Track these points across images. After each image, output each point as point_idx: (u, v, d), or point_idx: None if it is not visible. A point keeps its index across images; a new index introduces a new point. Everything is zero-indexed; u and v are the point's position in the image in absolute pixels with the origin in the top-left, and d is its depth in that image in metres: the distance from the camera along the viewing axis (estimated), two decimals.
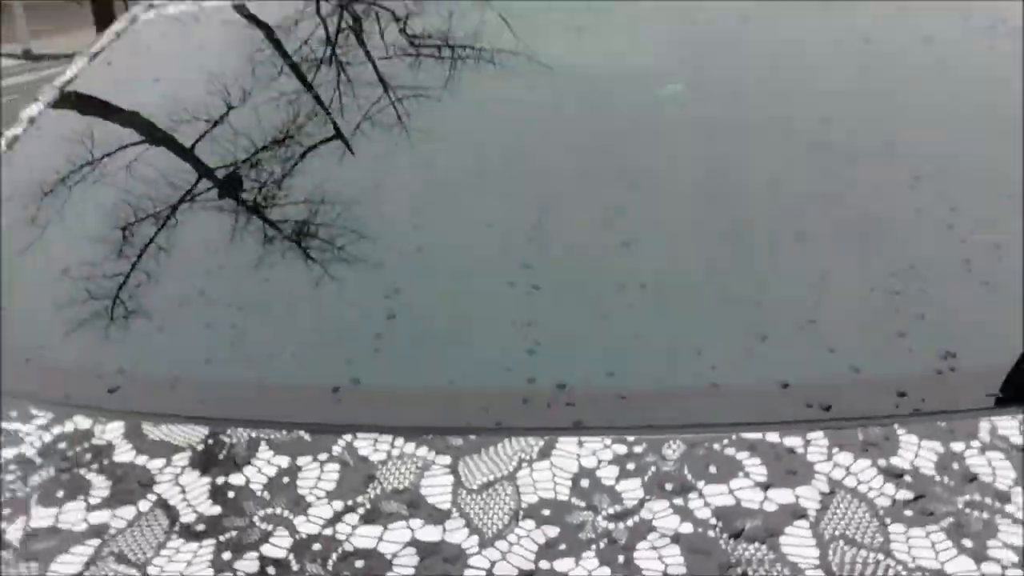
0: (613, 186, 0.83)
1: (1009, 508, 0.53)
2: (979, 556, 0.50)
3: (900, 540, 0.51)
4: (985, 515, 0.53)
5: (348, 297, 0.74)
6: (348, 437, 0.61)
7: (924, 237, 0.75)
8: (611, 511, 0.54)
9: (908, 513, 0.53)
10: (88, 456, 0.62)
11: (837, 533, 0.52)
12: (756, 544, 0.51)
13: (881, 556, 0.50)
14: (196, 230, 0.83)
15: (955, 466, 0.56)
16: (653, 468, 0.56)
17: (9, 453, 0.62)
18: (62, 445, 0.63)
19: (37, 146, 0.98)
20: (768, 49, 1.01)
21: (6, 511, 0.58)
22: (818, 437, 0.58)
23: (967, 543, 0.51)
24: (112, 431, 0.63)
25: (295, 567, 0.52)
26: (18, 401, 0.67)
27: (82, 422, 0.64)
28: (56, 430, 0.64)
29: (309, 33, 1.08)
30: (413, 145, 0.88)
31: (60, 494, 0.59)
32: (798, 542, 0.52)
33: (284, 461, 0.59)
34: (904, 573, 0.50)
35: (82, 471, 0.60)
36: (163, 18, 1.19)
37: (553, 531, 0.53)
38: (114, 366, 0.70)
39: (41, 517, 0.57)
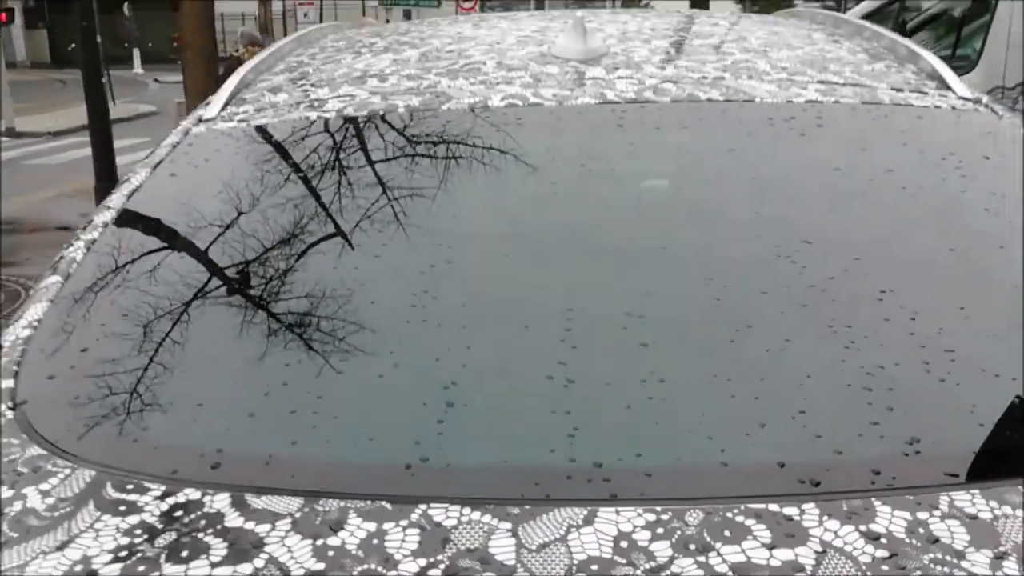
0: (628, 291, 0.98)
1: (964, 564, 0.67)
2: None
3: None
4: (945, 569, 0.66)
5: (414, 389, 0.87)
6: (423, 506, 0.73)
7: (891, 343, 0.90)
8: (647, 566, 0.67)
9: (884, 568, 0.66)
10: (203, 522, 0.73)
11: None
12: None
13: None
14: (262, 329, 0.96)
15: (921, 531, 0.69)
16: (679, 532, 0.69)
17: (133, 520, 0.74)
18: (178, 513, 0.74)
19: (118, 242, 1.11)
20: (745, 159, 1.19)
21: (140, 568, 0.69)
22: (810, 507, 0.71)
23: None
24: (220, 501, 0.75)
25: None
26: (134, 475, 0.78)
27: (193, 494, 0.76)
28: (171, 500, 0.76)
29: (330, 145, 1.24)
30: (443, 253, 1.04)
31: (185, 554, 0.70)
32: None
33: (371, 526, 0.71)
34: None
35: (200, 535, 0.72)
36: (212, 132, 1.34)
37: None
38: (214, 446, 0.82)
39: (173, 574, 0.69)
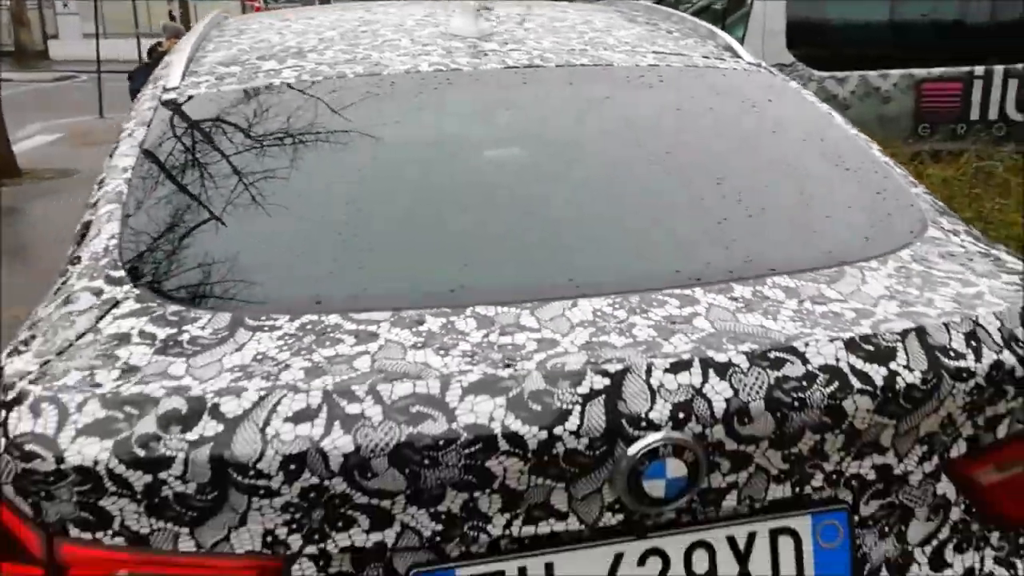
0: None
1: (783, 312, 1.18)
2: None
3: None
4: (771, 307, 1.17)
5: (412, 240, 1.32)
6: (471, 308, 1.16)
7: (713, 197, 1.45)
8: (616, 325, 1.13)
9: (740, 314, 1.16)
10: (331, 330, 1.12)
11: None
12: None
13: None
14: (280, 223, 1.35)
15: (755, 294, 1.20)
16: (628, 305, 1.16)
17: (279, 333, 1.11)
18: (308, 328, 1.12)
19: None
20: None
21: (299, 353, 1.07)
22: (699, 290, 1.20)
23: None
24: (334, 319, 1.14)
25: None
26: (263, 312, 1.15)
27: (312, 317, 1.14)
28: (298, 322, 1.13)
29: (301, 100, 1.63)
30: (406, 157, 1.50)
31: (328, 343, 1.09)
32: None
33: (442, 320, 1.13)
34: None
35: (333, 334, 1.10)
36: (186, 95, 1.66)
37: None
38: (310, 292, 1.20)
39: (325, 353, 1.07)
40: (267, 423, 0.95)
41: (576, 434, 0.97)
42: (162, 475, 0.95)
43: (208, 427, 0.95)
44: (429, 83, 1.66)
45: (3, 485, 0.98)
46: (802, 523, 1.13)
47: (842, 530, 1.14)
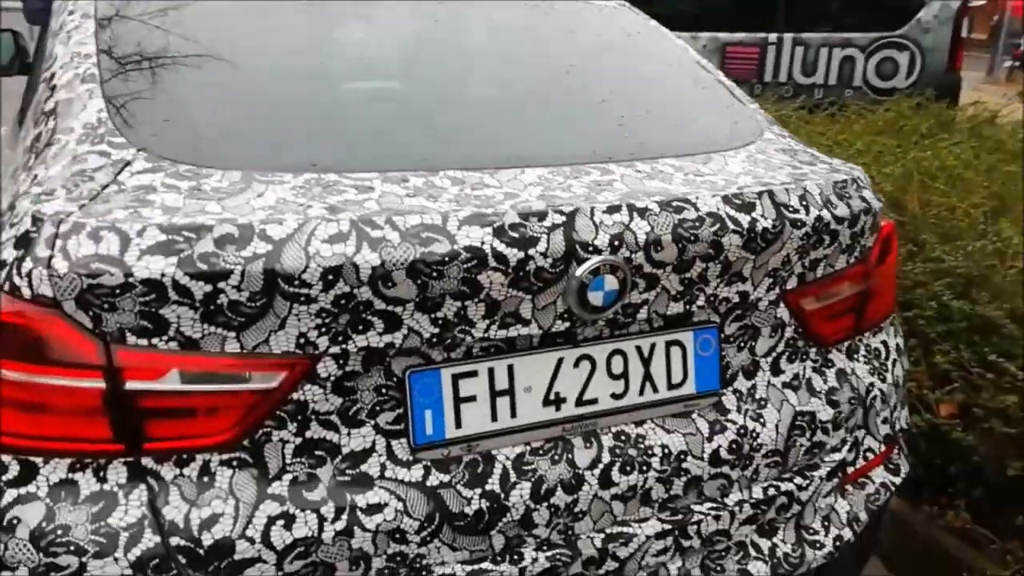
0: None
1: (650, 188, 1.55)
2: None
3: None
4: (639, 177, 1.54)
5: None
6: (451, 171, 1.42)
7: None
8: (552, 191, 1.44)
9: (646, 181, 1.51)
10: (339, 186, 1.35)
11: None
12: None
13: None
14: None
15: (647, 171, 1.56)
16: (557, 178, 1.47)
17: (288, 186, 1.33)
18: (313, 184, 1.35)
19: None
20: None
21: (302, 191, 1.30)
22: (614, 166, 1.53)
23: None
24: (337, 176, 1.37)
25: None
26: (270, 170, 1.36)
27: (314, 175, 1.37)
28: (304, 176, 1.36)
29: None
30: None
31: (337, 194, 1.32)
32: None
33: (422, 179, 1.39)
34: None
35: (344, 191, 1.34)
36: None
37: None
38: (302, 159, 1.42)
39: (330, 200, 1.31)
40: (308, 243, 1.19)
41: (544, 255, 1.28)
42: (220, 285, 1.16)
43: (259, 246, 1.17)
44: None
45: (63, 302, 1.15)
46: (687, 337, 1.50)
47: (713, 343, 1.53)
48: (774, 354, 1.60)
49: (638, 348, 1.46)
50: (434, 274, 1.23)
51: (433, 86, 1.76)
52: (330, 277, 1.19)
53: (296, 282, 1.18)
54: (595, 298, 1.33)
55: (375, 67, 1.79)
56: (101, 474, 1.21)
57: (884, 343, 1.79)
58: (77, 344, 1.17)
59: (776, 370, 1.61)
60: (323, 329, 1.22)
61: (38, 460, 1.21)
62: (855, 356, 1.72)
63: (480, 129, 1.64)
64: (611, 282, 1.34)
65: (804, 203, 1.53)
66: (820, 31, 6.77)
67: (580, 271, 1.31)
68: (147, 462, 1.22)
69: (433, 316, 1.27)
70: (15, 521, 1.19)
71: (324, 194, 1.30)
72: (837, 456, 1.67)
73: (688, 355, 1.50)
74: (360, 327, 1.24)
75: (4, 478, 1.20)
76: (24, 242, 1.19)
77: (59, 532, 1.19)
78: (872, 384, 1.72)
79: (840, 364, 1.69)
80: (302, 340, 1.22)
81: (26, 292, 1.16)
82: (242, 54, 1.64)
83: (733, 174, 1.57)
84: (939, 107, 5.57)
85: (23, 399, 1.19)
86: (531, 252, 1.27)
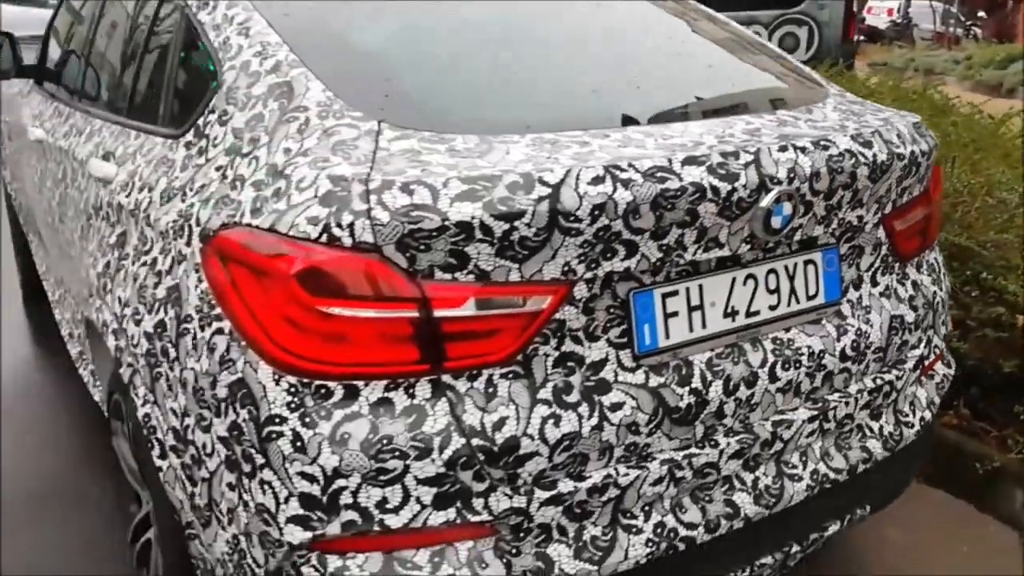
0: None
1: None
2: None
3: None
4: None
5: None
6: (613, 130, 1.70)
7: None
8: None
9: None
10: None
11: None
12: None
13: None
14: None
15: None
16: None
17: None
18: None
19: None
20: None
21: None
22: None
23: None
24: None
25: None
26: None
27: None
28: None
29: None
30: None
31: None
32: None
33: (582, 141, 1.67)
34: None
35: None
36: None
37: None
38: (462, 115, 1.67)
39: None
40: (577, 185, 1.44)
41: (744, 187, 1.58)
42: (515, 224, 1.40)
43: (541, 190, 1.42)
44: None
45: (384, 246, 1.37)
46: (817, 256, 1.83)
47: (835, 261, 1.86)
48: (872, 269, 1.95)
49: (786, 267, 1.77)
50: (668, 206, 1.51)
51: (591, 57, 2.03)
52: (596, 212, 1.45)
53: (571, 218, 1.44)
54: (776, 222, 1.64)
55: (541, 39, 2.04)
56: (411, 391, 1.44)
57: (936, 260, 2.17)
58: (394, 281, 1.40)
59: (874, 282, 1.96)
60: (582, 258, 1.48)
61: (359, 384, 1.43)
62: (921, 270, 2.09)
63: (633, 92, 1.92)
64: (787, 208, 1.65)
65: (901, 140, 1.88)
66: (727, 11, 7.30)
67: (766, 200, 1.61)
68: (446, 378, 1.45)
69: (660, 243, 1.55)
70: (346, 436, 1.41)
71: (555, 149, 1.55)
72: (917, 352, 2.04)
73: (819, 272, 1.83)
74: (608, 254, 1.50)
75: (332, 401, 1.42)
76: (331, 200, 1.40)
77: (384, 442, 1.41)
78: (935, 292, 2.10)
79: (913, 277, 2.06)
80: (566, 268, 1.48)
81: (347, 241, 1.38)
82: (425, 31, 1.88)
83: (836, 120, 1.91)
84: (851, 75, 6.16)
85: (347, 332, 1.40)
86: (735, 185, 1.57)
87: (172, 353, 1.65)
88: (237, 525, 1.55)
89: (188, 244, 1.66)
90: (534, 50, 2.03)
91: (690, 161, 1.55)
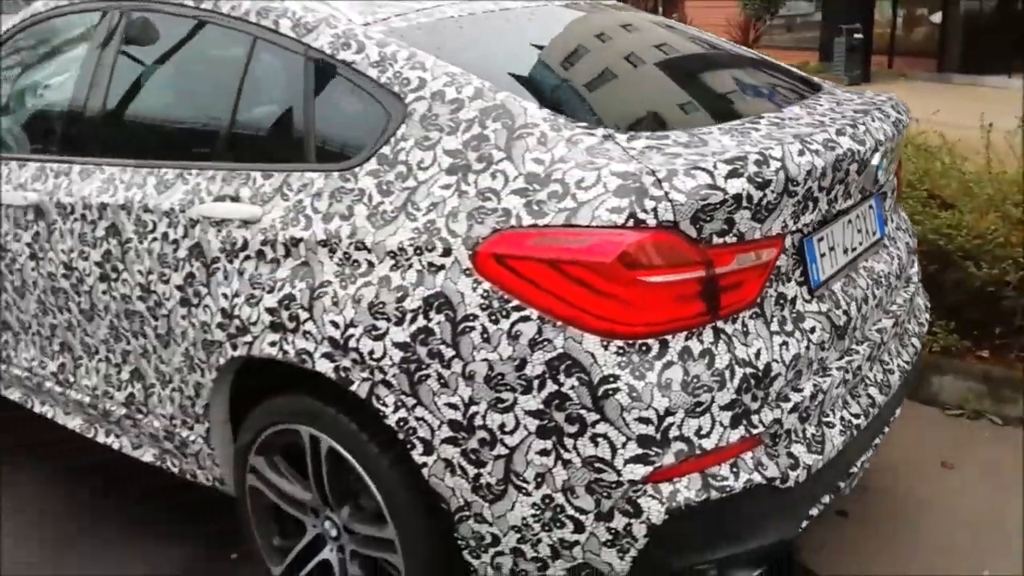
0: None
1: None
2: None
3: None
4: None
5: None
6: None
7: None
8: None
9: None
10: None
11: None
12: None
13: None
14: None
15: None
16: None
17: None
18: None
19: None
20: None
21: None
22: None
23: None
24: None
25: None
26: None
27: None
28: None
29: None
30: None
31: None
32: None
33: None
34: None
35: None
36: None
37: None
38: None
39: None
40: (793, 158, 1.86)
41: (870, 150, 2.07)
42: (765, 192, 1.80)
43: (775, 164, 1.83)
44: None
45: (680, 222, 1.71)
46: (874, 201, 2.38)
47: (879, 205, 2.43)
48: (890, 210, 2.55)
49: (861, 212, 2.31)
50: (837, 168, 1.97)
51: (704, 71, 2.44)
52: (805, 177, 1.88)
53: (794, 183, 1.85)
54: (881, 176, 2.16)
55: (665, 54, 2.42)
56: (701, 338, 1.78)
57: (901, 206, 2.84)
58: (689, 249, 1.74)
59: (891, 220, 2.56)
60: (792, 215, 1.90)
61: (668, 338, 1.75)
62: (900, 212, 2.73)
63: (719, 91, 2.36)
64: (884, 166, 2.17)
65: (899, 112, 2.48)
66: None
67: (875, 159, 2.13)
68: (719, 324, 1.81)
69: (827, 197, 2.00)
70: (669, 380, 1.73)
71: (743, 135, 1.95)
72: (914, 270, 2.68)
73: (874, 213, 2.38)
74: (804, 210, 1.94)
75: (651, 355, 1.73)
76: (626, 191, 1.71)
77: (695, 380, 1.75)
78: (910, 227, 2.75)
79: (902, 215, 2.69)
80: (783, 225, 1.89)
81: (651, 222, 1.70)
82: (588, 49, 2.20)
83: (853, 101, 2.47)
84: None
85: (657, 296, 1.72)
86: (864, 147, 2.06)
87: (448, 353, 1.85)
88: (550, 485, 1.80)
89: (444, 255, 1.86)
90: (665, 61, 2.42)
91: (841, 132, 2.03)
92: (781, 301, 1.96)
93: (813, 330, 2.00)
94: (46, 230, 2.76)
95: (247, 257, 2.20)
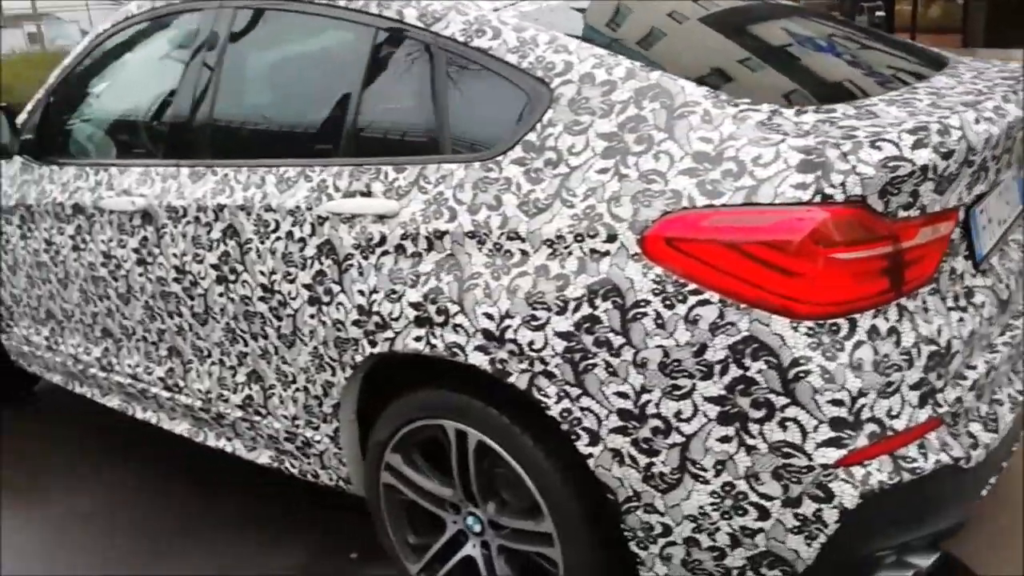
0: None
1: None
2: None
3: None
4: None
5: None
6: None
7: None
8: None
9: None
10: None
11: None
12: None
13: None
14: None
15: None
16: None
17: None
18: None
19: None
20: None
21: None
22: None
23: None
24: None
25: None
26: None
27: None
28: None
29: None
30: None
31: None
32: None
33: None
34: None
35: None
36: None
37: None
38: None
39: None
40: (970, 126, 1.79)
41: (1003, 136, 1.98)
42: (947, 162, 1.73)
43: (956, 133, 1.76)
44: None
45: (868, 196, 1.65)
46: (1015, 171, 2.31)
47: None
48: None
49: (1007, 183, 2.24)
50: (1006, 137, 1.91)
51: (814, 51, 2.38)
52: (983, 145, 1.81)
53: (974, 152, 1.79)
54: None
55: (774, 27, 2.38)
56: (886, 316, 1.72)
57: None
58: (877, 224, 1.68)
59: None
60: (967, 186, 1.84)
61: (856, 316, 1.69)
62: None
63: (857, 64, 2.30)
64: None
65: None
66: None
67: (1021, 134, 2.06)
68: (903, 301, 1.75)
69: (995, 167, 1.94)
70: (860, 360, 1.67)
71: (908, 106, 1.88)
72: None
73: (1017, 183, 2.31)
74: (977, 180, 1.87)
75: (841, 335, 1.67)
76: (810, 166, 1.65)
77: (885, 359, 1.69)
78: None
79: None
80: (958, 197, 1.83)
81: (839, 196, 1.64)
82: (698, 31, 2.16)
83: (989, 69, 2.40)
84: None
85: (847, 274, 1.67)
86: (1016, 117, 1.98)
87: (617, 341, 1.80)
88: (731, 472, 1.75)
89: (608, 241, 1.81)
90: (788, 40, 2.37)
91: (1007, 99, 1.96)
92: (953, 276, 1.89)
93: (983, 305, 1.94)
94: (155, 235, 2.72)
95: (385, 252, 2.16)
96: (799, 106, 1.85)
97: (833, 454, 1.68)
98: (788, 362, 1.66)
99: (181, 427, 3.01)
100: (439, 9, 2.18)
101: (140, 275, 2.82)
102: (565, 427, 1.90)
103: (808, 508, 1.71)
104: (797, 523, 1.73)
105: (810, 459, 1.69)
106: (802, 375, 1.66)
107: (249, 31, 2.62)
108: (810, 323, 1.67)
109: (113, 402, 3.28)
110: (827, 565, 1.76)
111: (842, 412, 1.67)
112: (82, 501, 3.22)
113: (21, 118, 3.29)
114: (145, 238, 2.76)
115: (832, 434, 1.67)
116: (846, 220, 1.65)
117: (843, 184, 1.64)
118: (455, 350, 2.02)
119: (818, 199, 1.65)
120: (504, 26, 2.08)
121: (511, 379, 1.94)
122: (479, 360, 1.98)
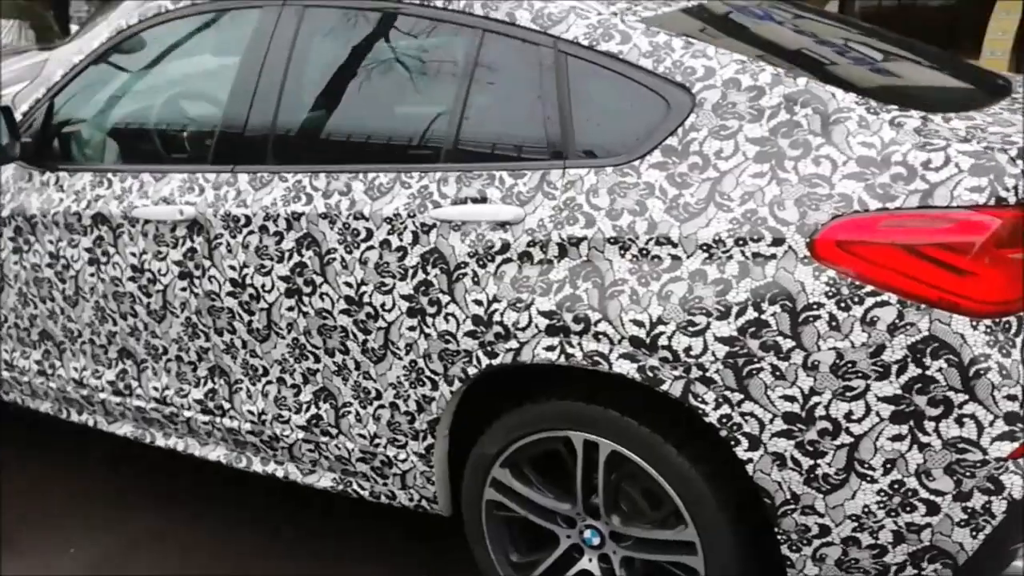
0: None
1: None
2: None
3: None
4: None
5: None
6: None
7: None
8: None
9: None
10: None
11: None
12: None
13: None
14: None
15: None
16: None
17: None
18: None
19: None
20: None
21: None
22: None
23: None
24: None
25: None
26: None
27: None
28: None
29: None
30: None
31: None
32: None
33: None
34: None
35: None
36: None
37: None
38: None
39: None
40: None
41: None
42: None
43: None
44: None
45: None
46: None
47: None
48: None
49: None
50: None
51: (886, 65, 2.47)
52: None
53: None
54: None
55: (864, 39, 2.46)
56: None
57: None
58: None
59: None
60: None
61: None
62: None
63: (947, 77, 2.41)
64: None
65: None
66: None
67: None
68: None
69: None
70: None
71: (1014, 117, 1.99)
72: None
73: None
74: None
75: (1013, 331, 1.74)
76: (982, 170, 1.72)
77: None
78: None
79: None
80: None
81: (1011, 199, 1.72)
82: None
83: None
84: None
85: (1018, 273, 1.74)
86: None
87: (786, 344, 1.81)
88: (901, 470, 1.79)
89: (774, 244, 1.82)
90: (880, 55, 2.46)
91: None
92: None
93: None
94: (205, 246, 2.55)
95: (507, 260, 2.10)
96: (943, 113, 1.92)
97: (1007, 447, 1.74)
98: (968, 360, 1.72)
99: (216, 453, 2.82)
100: (556, 12, 2.15)
101: (182, 290, 2.63)
102: (724, 433, 1.90)
103: (977, 501, 1.77)
104: (965, 516, 1.79)
105: (985, 453, 1.74)
106: (982, 372, 1.72)
107: (323, 32, 2.50)
108: (988, 321, 1.73)
109: (123, 429, 3.04)
110: (983, 557, 1.82)
111: (1015, 407, 1.74)
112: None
113: (17, 119, 3.02)
114: (192, 250, 2.58)
115: (1006, 428, 1.74)
116: (1021, 222, 1.72)
117: (1016, 187, 1.72)
118: (597, 359, 1.98)
119: (992, 202, 1.71)
120: (633, 31, 2.07)
121: (663, 387, 1.93)
122: (625, 368, 1.96)
